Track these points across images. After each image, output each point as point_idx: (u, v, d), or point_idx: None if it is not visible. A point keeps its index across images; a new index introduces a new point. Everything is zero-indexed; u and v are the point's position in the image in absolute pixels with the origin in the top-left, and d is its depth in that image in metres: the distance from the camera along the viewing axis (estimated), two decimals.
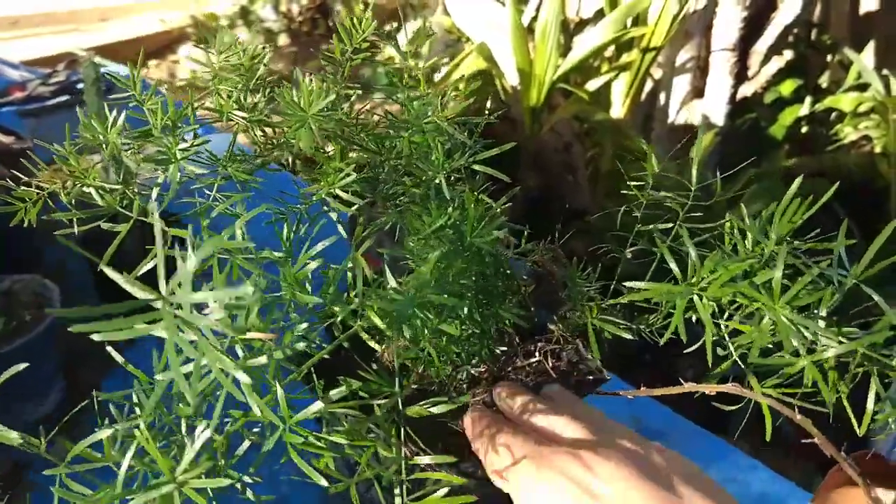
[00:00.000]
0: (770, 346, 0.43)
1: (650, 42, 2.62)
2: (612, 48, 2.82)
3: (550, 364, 0.58)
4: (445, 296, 0.42)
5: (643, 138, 2.58)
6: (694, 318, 0.45)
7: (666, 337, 0.42)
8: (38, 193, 0.49)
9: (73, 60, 2.27)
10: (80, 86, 1.98)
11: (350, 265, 0.45)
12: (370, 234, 0.50)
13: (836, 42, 3.04)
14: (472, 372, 0.58)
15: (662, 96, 2.87)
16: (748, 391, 0.42)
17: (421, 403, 0.50)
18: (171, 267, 0.24)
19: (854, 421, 0.39)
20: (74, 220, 0.49)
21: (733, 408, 0.45)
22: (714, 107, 2.53)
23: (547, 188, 2.55)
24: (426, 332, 0.45)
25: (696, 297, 0.41)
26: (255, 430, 0.42)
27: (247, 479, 0.39)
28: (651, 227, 0.56)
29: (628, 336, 0.56)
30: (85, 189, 0.48)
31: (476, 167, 0.51)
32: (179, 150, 0.45)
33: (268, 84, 0.53)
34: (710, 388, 0.45)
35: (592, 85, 2.83)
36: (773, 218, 0.43)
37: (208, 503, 0.33)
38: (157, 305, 0.23)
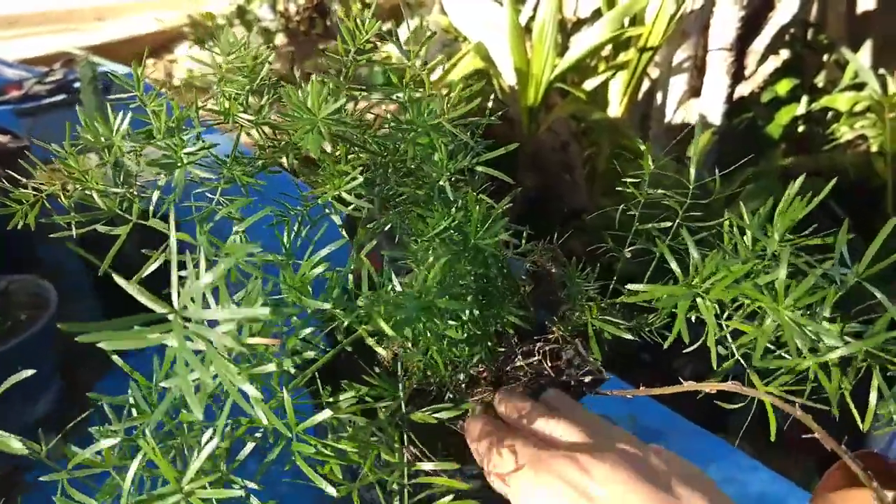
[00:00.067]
0: (772, 345, 0.43)
1: (647, 41, 2.62)
2: (609, 48, 2.83)
3: (549, 364, 0.58)
4: (451, 299, 0.42)
5: (640, 137, 2.59)
6: (693, 318, 0.45)
7: (669, 341, 0.42)
8: (35, 195, 0.49)
9: (69, 60, 2.26)
10: (77, 85, 1.97)
11: (352, 267, 0.45)
12: (373, 236, 0.50)
13: (832, 42, 3.04)
14: (472, 372, 0.58)
15: (659, 96, 2.87)
16: (748, 389, 0.42)
17: (424, 409, 0.50)
18: (171, 270, 0.23)
19: (857, 417, 0.39)
20: (73, 223, 0.48)
21: (733, 407, 0.45)
22: (711, 106, 2.53)
23: (544, 188, 2.55)
24: (429, 335, 0.45)
25: (699, 299, 0.41)
26: (257, 434, 0.42)
27: (249, 483, 0.38)
28: (650, 226, 0.56)
29: (628, 336, 0.56)
30: (85, 192, 0.48)
31: (479, 168, 0.50)
32: (185, 153, 0.45)
33: (270, 85, 0.52)
34: (709, 387, 0.45)
35: (590, 84, 2.83)
36: (773, 216, 0.43)
37: None
38: (169, 317, 0.23)
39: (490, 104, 0.54)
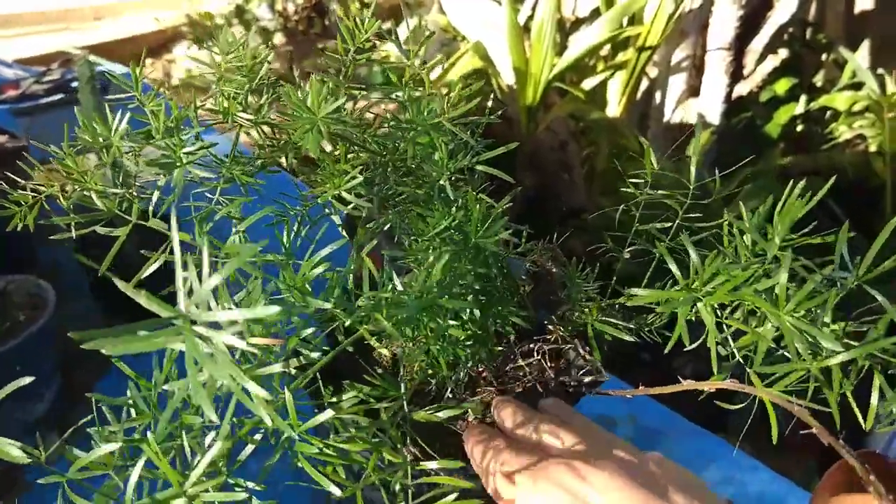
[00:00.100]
0: (771, 346, 0.43)
1: (646, 41, 2.62)
2: (607, 47, 2.82)
3: (549, 364, 0.58)
4: (451, 298, 0.42)
5: (639, 137, 2.58)
6: (693, 317, 0.45)
7: (671, 345, 0.42)
8: (34, 196, 0.49)
9: (67, 59, 2.26)
10: (75, 84, 1.97)
11: (353, 267, 0.44)
12: (373, 236, 0.50)
13: (831, 41, 3.05)
14: (471, 372, 0.58)
15: (658, 95, 2.87)
16: (747, 387, 0.42)
17: (427, 409, 0.50)
18: (171, 271, 0.23)
19: (859, 416, 0.39)
20: (72, 224, 0.48)
21: (733, 407, 0.45)
22: (710, 105, 2.53)
23: (543, 187, 2.55)
24: (430, 334, 0.45)
25: (699, 304, 0.41)
26: (258, 435, 0.42)
27: (250, 484, 0.38)
28: (649, 226, 0.56)
29: (628, 338, 0.56)
30: (84, 192, 0.48)
31: (479, 167, 0.50)
32: (184, 153, 0.44)
33: (269, 84, 0.52)
34: (708, 386, 0.45)
35: (588, 84, 2.83)
36: (772, 217, 0.42)
37: None
38: (177, 321, 0.22)
39: (489, 103, 0.54)
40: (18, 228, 0.49)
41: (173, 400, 0.25)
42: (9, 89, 2.04)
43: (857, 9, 3.13)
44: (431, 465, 0.46)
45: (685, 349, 0.45)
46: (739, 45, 2.52)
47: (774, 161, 2.51)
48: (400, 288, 0.44)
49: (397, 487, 0.44)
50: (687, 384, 0.46)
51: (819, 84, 3.00)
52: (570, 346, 0.59)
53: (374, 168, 0.52)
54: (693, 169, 0.53)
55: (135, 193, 0.49)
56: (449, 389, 0.56)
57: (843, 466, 0.52)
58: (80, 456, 0.40)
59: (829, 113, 2.81)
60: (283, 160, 0.52)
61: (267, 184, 0.53)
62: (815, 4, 3.15)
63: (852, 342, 0.37)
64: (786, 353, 0.41)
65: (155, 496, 0.32)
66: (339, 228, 0.50)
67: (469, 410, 0.55)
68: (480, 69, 2.70)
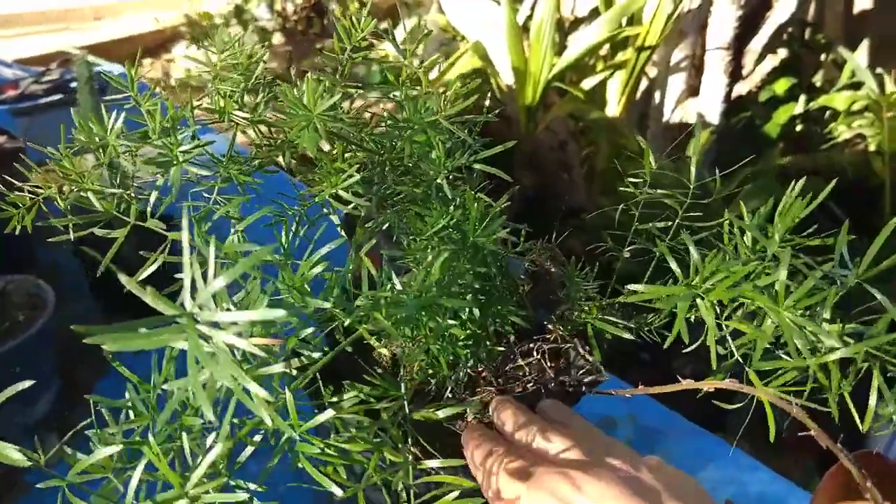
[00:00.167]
0: (770, 345, 0.43)
1: (645, 41, 2.62)
2: (607, 47, 2.82)
3: (549, 364, 0.58)
4: (450, 297, 0.42)
5: (638, 137, 2.58)
6: (692, 318, 0.45)
7: (669, 341, 0.42)
8: (31, 198, 0.48)
9: (66, 59, 2.25)
10: (74, 84, 1.97)
11: (352, 266, 0.44)
12: (372, 235, 0.50)
13: (830, 41, 3.05)
14: (471, 372, 0.57)
15: (657, 95, 2.87)
16: (747, 387, 0.42)
17: (427, 408, 0.50)
18: (169, 271, 0.23)
19: (856, 416, 0.39)
20: (70, 225, 0.48)
21: (731, 407, 0.45)
22: (709, 105, 2.53)
23: (542, 187, 2.55)
24: (429, 332, 0.45)
25: (698, 300, 0.41)
26: (258, 436, 0.42)
27: (251, 485, 0.38)
28: (649, 225, 0.56)
29: (627, 336, 0.56)
30: (82, 193, 0.48)
31: (476, 166, 0.50)
32: (180, 152, 0.44)
33: (265, 83, 0.52)
34: (708, 385, 0.45)
35: (588, 83, 2.82)
36: (773, 217, 0.43)
37: None
38: (181, 320, 0.22)
39: (487, 102, 0.54)
40: (17, 231, 0.49)
41: (172, 400, 0.25)
42: (8, 89, 2.04)
43: (856, 8, 3.13)
44: (433, 463, 0.46)
45: (685, 350, 0.44)
46: (738, 45, 2.52)
47: (774, 161, 2.51)
48: (399, 287, 0.44)
49: (399, 487, 0.44)
50: (686, 384, 0.46)
51: (818, 84, 3.00)
52: (569, 345, 0.59)
53: (372, 167, 0.52)
54: (693, 168, 0.53)
55: (132, 194, 0.49)
56: (449, 389, 0.56)
57: (842, 467, 0.52)
58: (79, 459, 0.40)
59: (828, 113, 2.81)
60: (280, 159, 0.52)
61: (265, 184, 0.53)
62: (813, 4, 3.15)
63: (851, 341, 0.37)
64: (783, 356, 0.41)
65: (155, 497, 0.32)
66: (338, 228, 0.50)
67: (468, 410, 0.55)
68: (480, 69, 2.70)
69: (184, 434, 0.38)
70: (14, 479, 0.99)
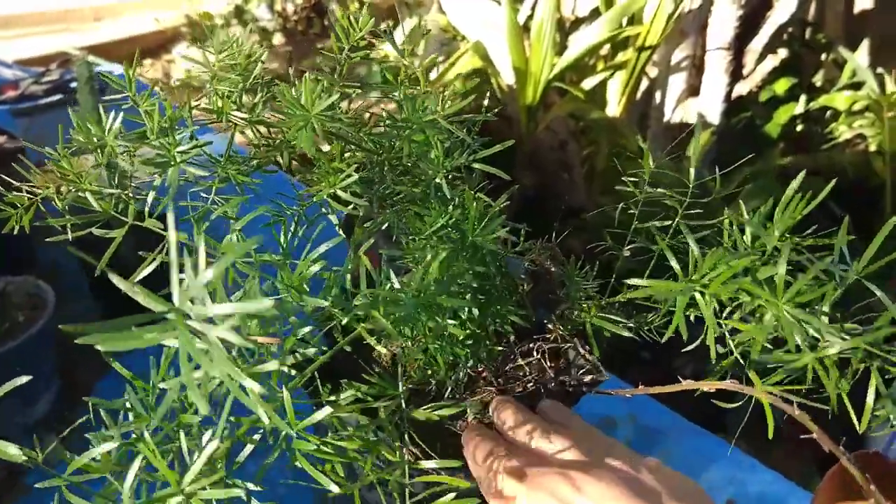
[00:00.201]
0: (769, 345, 0.43)
1: (645, 41, 2.62)
2: (607, 47, 2.82)
3: (549, 363, 0.58)
4: (449, 296, 0.42)
5: (639, 137, 2.58)
6: (692, 317, 0.45)
7: (667, 336, 0.42)
8: (30, 198, 0.48)
9: (66, 60, 2.25)
10: (74, 85, 1.97)
11: (350, 266, 0.44)
12: (370, 234, 0.50)
13: (830, 41, 3.04)
14: (471, 371, 0.57)
15: (658, 95, 2.87)
16: (747, 387, 0.42)
17: (426, 407, 0.50)
18: (167, 272, 0.23)
19: (854, 417, 0.38)
20: (68, 225, 0.48)
21: (732, 406, 0.45)
22: (709, 105, 2.53)
23: (542, 186, 2.55)
24: (428, 332, 0.45)
25: (697, 295, 0.41)
26: (257, 435, 0.42)
27: (249, 485, 0.38)
28: (649, 224, 0.56)
29: (627, 335, 0.56)
30: (80, 193, 0.48)
31: (475, 165, 0.50)
32: (178, 152, 0.44)
33: (264, 84, 0.52)
34: (708, 385, 0.45)
35: (588, 83, 2.82)
36: (773, 215, 0.42)
37: None
38: (169, 315, 0.22)
39: (486, 101, 0.54)
40: (15, 231, 0.49)
41: (167, 398, 0.25)
42: (8, 90, 2.04)
43: (857, 8, 3.13)
44: (430, 464, 0.46)
45: (685, 349, 0.44)
46: (739, 45, 2.52)
47: (774, 161, 2.51)
48: (397, 286, 0.44)
49: (396, 487, 0.44)
50: (687, 384, 0.46)
51: (819, 84, 3.00)
52: (569, 345, 0.59)
53: (371, 167, 0.52)
54: (692, 168, 0.53)
55: (130, 194, 0.49)
56: (449, 389, 0.56)
57: (842, 468, 0.52)
58: (76, 459, 0.40)
59: (828, 112, 2.81)
60: (279, 159, 0.52)
61: (264, 184, 0.53)
62: (814, 4, 3.15)
63: (849, 337, 0.37)
64: (783, 356, 0.41)
65: (153, 495, 0.32)
66: (337, 228, 0.50)
67: (468, 410, 0.55)
68: (480, 69, 2.70)
69: (181, 433, 0.38)
70: (14, 480, 0.99)
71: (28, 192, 0.48)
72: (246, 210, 0.47)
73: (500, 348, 0.58)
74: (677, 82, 2.80)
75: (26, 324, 1.05)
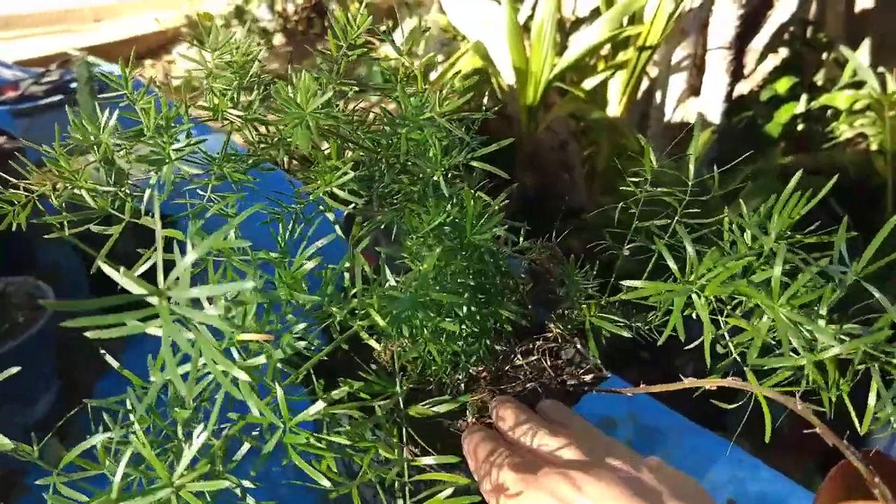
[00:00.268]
0: (771, 343, 0.42)
1: (646, 40, 2.62)
2: (608, 47, 2.82)
3: (549, 363, 0.58)
4: (445, 294, 0.42)
5: (640, 135, 2.58)
6: (693, 315, 0.45)
7: (664, 336, 0.42)
8: (27, 196, 0.48)
9: (66, 60, 2.25)
10: (73, 85, 1.97)
11: (347, 264, 0.44)
12: (368, 233, 0.49)
13: (831, 40, 3.04)
14: (471, 371, 0.57)
15: (659, 94, 2.87)
16: (748, 385, 0.42)
17: (423, 403, 0.50)
18: (167, 269, 0.23)
19: (855, 418, 0.38)
20: (65, 222, 0.48)
21: (732, 407, 0.45)
22: (710, 104, 2.53)
23: (543, 186, 2.55)
24: (426, 330, 0.45)
25: (694, 296, 0.41)
26: (254, 433, 0.42)
27: (245, 483, 0.38)
28: (649, 223, 0.56)
29: (626, 335, 0.56)
30: (76, 191, 0.48)
31: (474, 164, 0.50)
32: (173, 150, 0.44)
33: (263, 83, 0.52)
34: (709, 383, 0.45)
35: (589, 83, 2.82)
36: (772, 214, 0.42)
37: None
38: (153, 302, 0.22)
39: (486, 100, 0.53)
40: (13, 228, 0.49)
41: (154, 385, 0.25)
42: (8, 90, 2.04)
43: (858, 7, 3.13)
44: (428, 460, 0.45)
45: (685, 348, 0.44)
46: (740, 45, 2.52)
47: (775, 160, 2.50)
48: (393, 283, 0.44)
49: (395, 485, 0.44)
50: (688, 382, 0.46)
51: (820, 83, 2.99)
52: (569, 344, 0.59)
53: (370, 165, 0.52)
54: (692, 167, 0.53)
55: (127, 192, 0.49)
56: (448, 389, 0.56)
57: (844, 468, 0.51)
58: (78, 461, 0.40)
59: (829, 112, 2.81)
60: (277, 157, 0.52)
61: (262, 182, 0.53)
62: (815, 3, 3.15)
63: (848, 339, 0.37)
64: (784, 355, 0.41)
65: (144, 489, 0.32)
66: (335, 226, 0.50)
67: (468, 411, 0.55)
68: (481, 69, 2.70)
69: (179, 428, 0.38)
70: (14, 480, 0.99)
71: (25, 189, 0.48)
72: (243, 208, 0.47)
73: (500, 348, 0.58)
74: (678, 82, 2.80)
75: (26, 324, 1.05)
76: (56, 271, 1.40)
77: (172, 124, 0.46)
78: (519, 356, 0.59)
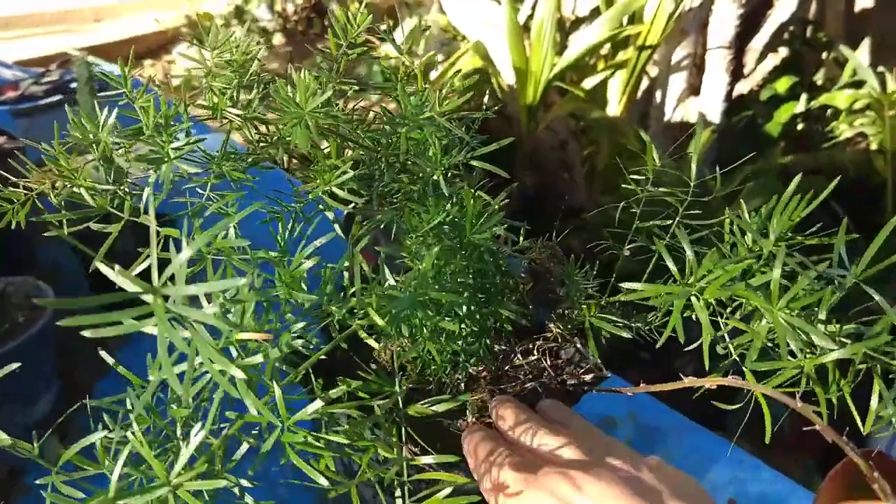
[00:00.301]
0: (772, 344, 0.42)
1: (646, 40, 2.62)
2: (607, 46, 2.82)
3: (549, 362, 0.58)
4: (444, 293, 0.42)
5: (642, 132, 2.58)
6: (693, 317, 0.45)
7: (664, 338, 0.42)
8: (26, 194, 0.48)
9: (66, 60, 2.25)
10: (74, 85, 1.97)
11: (346, 263, 0.44)
12: (367, 232, 0.49)
13: (831, 39, 3.04)
14: (471, 371, 0.57)
15: (659, 94, 2.87)
16: (748, 384, 0.42)
17: (422, 402, 0.50)
18: (166, 268, 0.23)
19: (857, 418, 0.38)
20: (64, 221, 0.48)
21: (733, 407, 0.45)
22: (710, 104, 2.53)
23: (543, 186, 2.55)
24: (425, 330, 0.45)
25: (693, 299, 0.41)
26: (253, 432, 0.42)
27: (244, 482, 0.38)
28: (649, 223, 0.56)
29: (626, 335, 0.56)
30: (75, 189, 0.48)
31: (474, 163, 0.50)
32: (172, 148, 0.44)
33: (262, 82, 0.52)
34: (709, 382, 0.45)
35: (589, 83, 2.82)
36: (772, 215, 0.42)
37: None
38: (149, 300, 0.22)
39: (485, 100, 0.53)
40: (13, 227, 0.49)
41: (151, 384, 0.25)
42: (8, 90, 2.04)
43: (858, 7, 3.13)
44: (427, 459, 0.45)
45: (686, 348, 0.44)
46: (740, 44, 2.52)
47: (775, 160, 2.50)
48: (392, 282, 0.44)
49: (393, 483, 0.44)
50: (688, 381, 0.46)
51: (820, 82, 2.99)
52: (569, 344, 0.59)
53: (370, 164, 0.52)
54: (694, 166, 0.53)
55: (127, 190, 0.49)
56: (448, 388, 0.56)
57: (844, 468, 0.51)
58: (78, 459, 0.40)
59: (829, 111, 2.81)
60: (276, 156, 0.52)
61: (261, 181, 0.52)
62: (815, 3, 3.15)
63: (848, 342, 0.37)
64: (780, 356, 0.41)
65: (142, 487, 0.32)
66: (334, 225, 0.50)
67: (468, 411, 0.55)
68: (481, 69, 2.70)
69: (178, 427, 0.38)
70: (14, 480, 0.99)
71: (25, 188, 0.48)
72: (243, 207, 0.47)
73: (499, 347, 0.58)
74: (678, 81, 2.80)
75: (26, 324, 1.05)
76: (56, 270, 1.40)
77: (171, 123, 0.46)
78: (519, 356, 0.59)
